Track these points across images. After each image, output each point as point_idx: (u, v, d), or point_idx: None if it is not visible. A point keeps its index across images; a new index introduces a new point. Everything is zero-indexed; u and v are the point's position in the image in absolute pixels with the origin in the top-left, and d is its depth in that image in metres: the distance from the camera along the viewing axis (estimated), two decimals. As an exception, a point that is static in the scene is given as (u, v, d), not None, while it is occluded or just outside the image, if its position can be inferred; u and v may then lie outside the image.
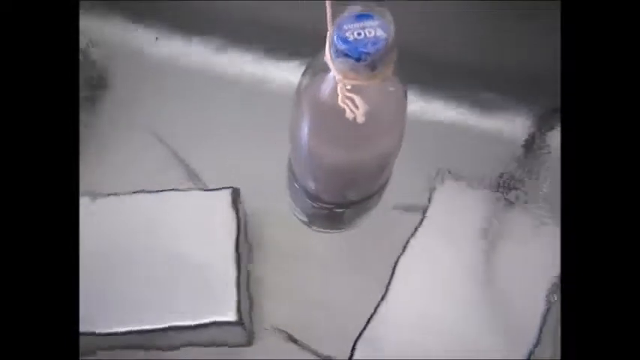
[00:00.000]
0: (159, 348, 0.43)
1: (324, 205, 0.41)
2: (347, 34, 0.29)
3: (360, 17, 0.30)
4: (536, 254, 0.44)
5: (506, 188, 0.46)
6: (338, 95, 0.31)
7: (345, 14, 0.30)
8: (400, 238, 0.45)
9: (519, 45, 0.45)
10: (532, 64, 0.45)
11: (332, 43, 0.30)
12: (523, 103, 0.48)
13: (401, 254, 0.44)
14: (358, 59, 0.29)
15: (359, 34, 0.29)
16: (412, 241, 0.44)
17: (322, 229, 0.46)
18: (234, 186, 0.44)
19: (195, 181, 0.47)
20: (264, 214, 0.46)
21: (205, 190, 0.44)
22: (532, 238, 0.44)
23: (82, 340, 0.41)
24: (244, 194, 0.44)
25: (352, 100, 0.31)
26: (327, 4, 0.30)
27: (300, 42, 0.37)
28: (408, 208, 0.46)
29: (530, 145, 0.47)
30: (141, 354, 0.43)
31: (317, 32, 0.31)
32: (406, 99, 0.35)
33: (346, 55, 0.29)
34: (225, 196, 0.43)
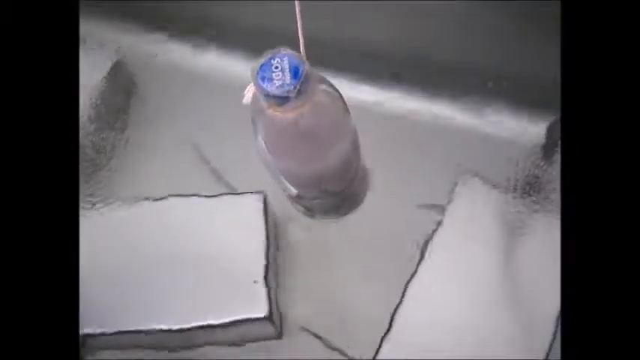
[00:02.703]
0: (193, 346, 0.45)
1: (308, 203, 0.44)
2: (264, 76, 0.32)
3: (274, 59, 0.32)
4: (556, 256, 0.43)
5: (527, 189, 0.46)
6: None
7: (262, 58, 0.33)
8: (423, 238, 0.45)
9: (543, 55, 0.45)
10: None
11: (255, 83, 0.32)
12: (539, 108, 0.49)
13: (423, 254, 0.45)
14: (276, 98, 0.32)
15: (274, 75, 0.32)
16: (433, 241, 0.45)
17: (324, 218, 0.48)
18: (263, 189, 0.46)
19: (225, 185, 0.49)
20: (290, 217, 0.48)
21: (235, 194, 0.46)
22: (552, 239, 0.44)
23: (114, 340, 0.43)
24: (272, 197, 0.46)
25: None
26: (297, 4, 0.33)
27: (324, 55, 0.39)
28: (431, 208, 0.47)
29: (550, 146, 0.48)
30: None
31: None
32: (342, 98, 0.37)
33: (265, 95, 0.32)
34: (255, 199, 0.45)
